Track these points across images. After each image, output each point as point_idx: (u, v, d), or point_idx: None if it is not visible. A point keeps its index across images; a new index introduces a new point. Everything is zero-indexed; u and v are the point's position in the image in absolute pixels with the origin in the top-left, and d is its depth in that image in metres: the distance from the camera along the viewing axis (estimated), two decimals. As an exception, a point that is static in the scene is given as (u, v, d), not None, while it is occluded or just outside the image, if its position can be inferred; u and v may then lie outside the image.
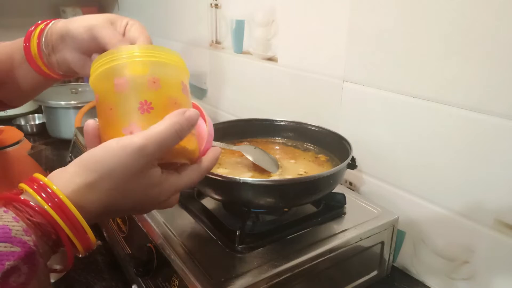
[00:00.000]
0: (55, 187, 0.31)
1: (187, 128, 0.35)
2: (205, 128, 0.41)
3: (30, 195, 0.31)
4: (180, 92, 0.38)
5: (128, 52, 0.37)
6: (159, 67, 0.37)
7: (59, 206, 0.30)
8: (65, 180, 0.31)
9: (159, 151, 0.33)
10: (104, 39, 0.44)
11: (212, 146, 0.41)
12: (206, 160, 0.39)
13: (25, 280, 0.28)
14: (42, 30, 0.48)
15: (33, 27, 0.50)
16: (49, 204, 0.30)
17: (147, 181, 0.34)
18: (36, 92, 0.56)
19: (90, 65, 0.39)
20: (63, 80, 0.80)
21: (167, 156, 0.36)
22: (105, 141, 0.35)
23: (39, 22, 0.50)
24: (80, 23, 0.46)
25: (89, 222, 0.32)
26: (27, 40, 0.49)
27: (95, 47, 0.46)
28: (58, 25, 0.47)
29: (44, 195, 0.30)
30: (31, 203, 0.30)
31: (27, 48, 0.49)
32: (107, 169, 0.32)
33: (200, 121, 0.40)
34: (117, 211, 0.35)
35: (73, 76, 0.53)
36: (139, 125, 0.35)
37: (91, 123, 0.37)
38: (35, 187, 0.31)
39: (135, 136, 0.33)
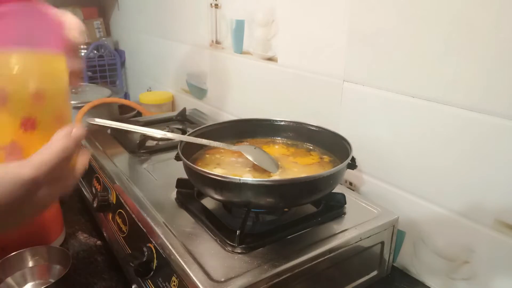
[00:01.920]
0: None
1: (74, 149, 0.34)
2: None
3: None
4: (66, 102, 0.35)
5: (9, 61, 0.32)
6: (44, 78, 0.32)
7: None
8: None
9: (48, 178, 0.32)
10: None
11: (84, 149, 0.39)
12: (77, 167, 0.38)
13: None
14: None
15: None
16: None
17: (31, 201, 0.33)
18: None
19: None
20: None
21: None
22: None
23: None
24: None
25: None
26: None
27: None
28: None
29: None
30: None
31: None
32: None
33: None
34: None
35: None
36: (21, 144, 0.32)
37: None
38: None
39: (24, 166, 0.31)
